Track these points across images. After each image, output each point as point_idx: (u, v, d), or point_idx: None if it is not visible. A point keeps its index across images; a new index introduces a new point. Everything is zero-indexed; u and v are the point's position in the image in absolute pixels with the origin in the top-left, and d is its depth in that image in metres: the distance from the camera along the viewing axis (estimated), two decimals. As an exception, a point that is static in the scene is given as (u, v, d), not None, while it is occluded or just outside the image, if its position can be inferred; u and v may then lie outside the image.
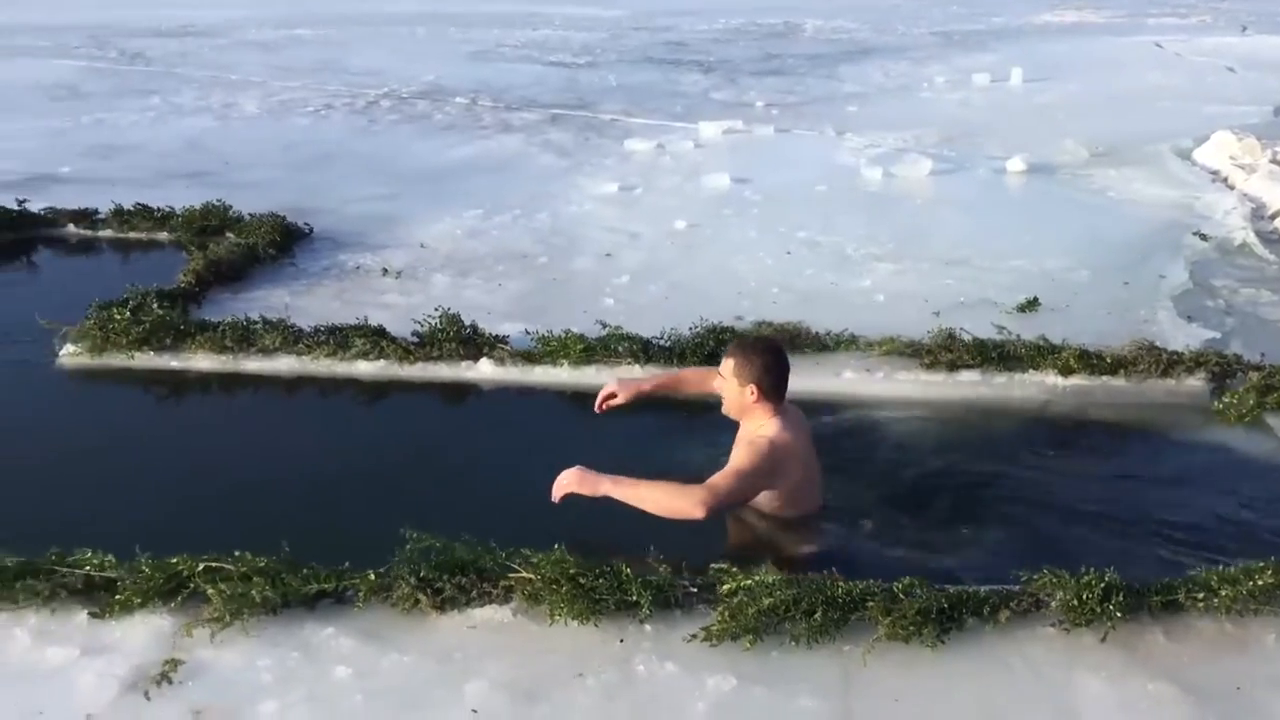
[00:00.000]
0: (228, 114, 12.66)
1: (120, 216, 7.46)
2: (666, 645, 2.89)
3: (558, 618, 2.97)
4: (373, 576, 3.06)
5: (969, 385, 4.82)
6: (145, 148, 10.61)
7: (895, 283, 6.31)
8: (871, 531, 3.68)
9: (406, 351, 5.04)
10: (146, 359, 5.08)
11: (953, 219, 8.01)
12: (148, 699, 2.68)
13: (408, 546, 3.14)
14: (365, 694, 2.70)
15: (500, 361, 5.01)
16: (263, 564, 3.09)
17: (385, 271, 6.46)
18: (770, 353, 3.76)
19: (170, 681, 2.74)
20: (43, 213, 7.50)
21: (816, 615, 2.90)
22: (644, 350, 4.99)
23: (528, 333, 5.17)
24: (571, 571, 3.03)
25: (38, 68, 16.43)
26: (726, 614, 2.93)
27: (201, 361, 5.07)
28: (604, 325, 5.19)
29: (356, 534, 3.75)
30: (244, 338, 5.11)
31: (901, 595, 2.97)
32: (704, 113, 12.65)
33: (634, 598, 2.98)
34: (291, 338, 5.12)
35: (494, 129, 12.07)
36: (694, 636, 2.90)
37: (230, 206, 7.36)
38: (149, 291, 5.51)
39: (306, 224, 7.27)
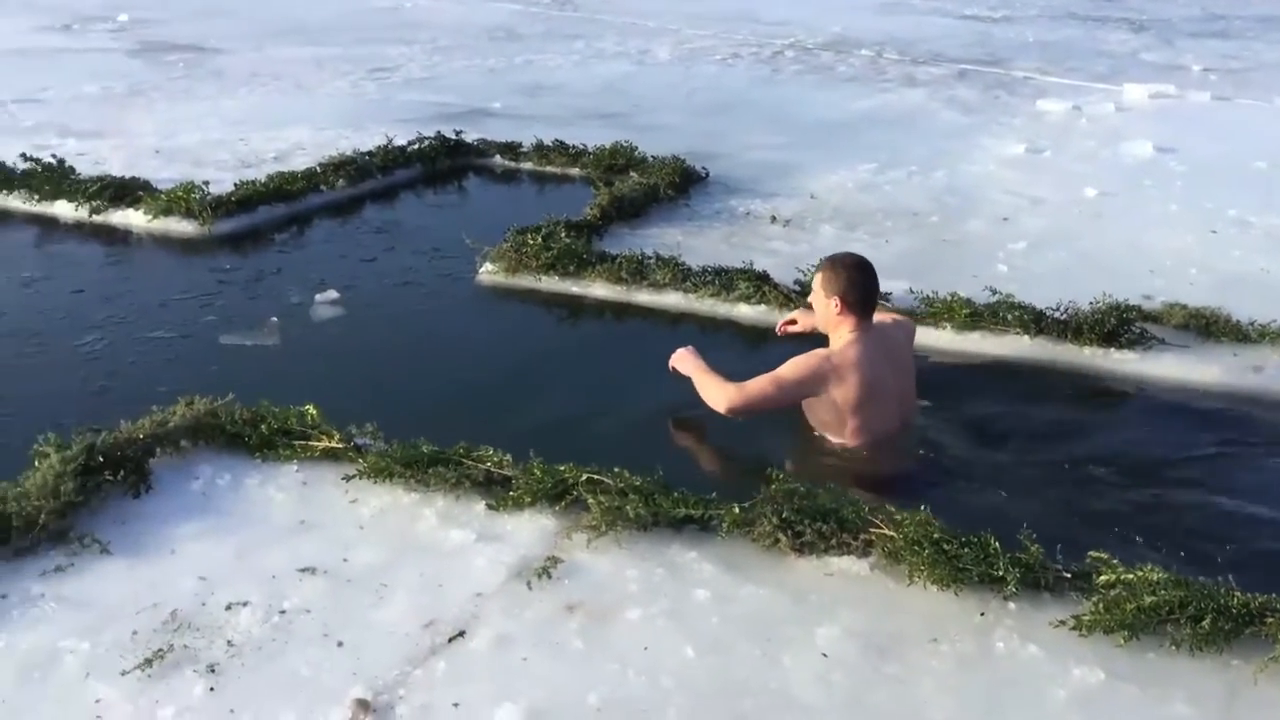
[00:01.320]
0: (643, 59, 13.25)
1: (540, 151, 8.06)
2: (1030, 626, 2.77)
3: (916, 579, 2.92)
4: (737, 510, 3.16)
5: None
6: (566, 88, 11.35)
7: (1342, 275, 5.57)
8: None
9: (787, 299, 5.10)
10: (551, 282, 5.48)
11: None
12: (529, 588, 2.93)
13: (772, 487, 3.21)
14: (721, 618, 2.81)
15: (881, 318, 4.94)
16: (638, 483, 3.27)
17: (774, 219, 6.55)
18: (857, 268, 3.86)
19: (549, 576, 2.97)
20: (475, 143, 8.25)
21: (1204, 623, 2.65)
22: (1036, 321, 4.74)
23: (911, 291, 5.06)
24: (936, 535, 2.96)
25: (483, 10, 17.98)
26: (1101, 606, 2.75)
27: (598, 289, 5.40)
28: (994, 292, 4.97)
29: (718, 464, 3.92)
30: (638, 271, 5.38)
31: (1310, 618, 2.66)
32: (1130, 74, 11.69)
33: (1000, 573, 2.87)
34: (680, 275, 5.32)
35: (897, 82, 11.82)
36: (1062, 623, 2.75)
37: (636, 147, 7.73)
38: (559, 221, 5.93)
39: (704, 168, 7.50)
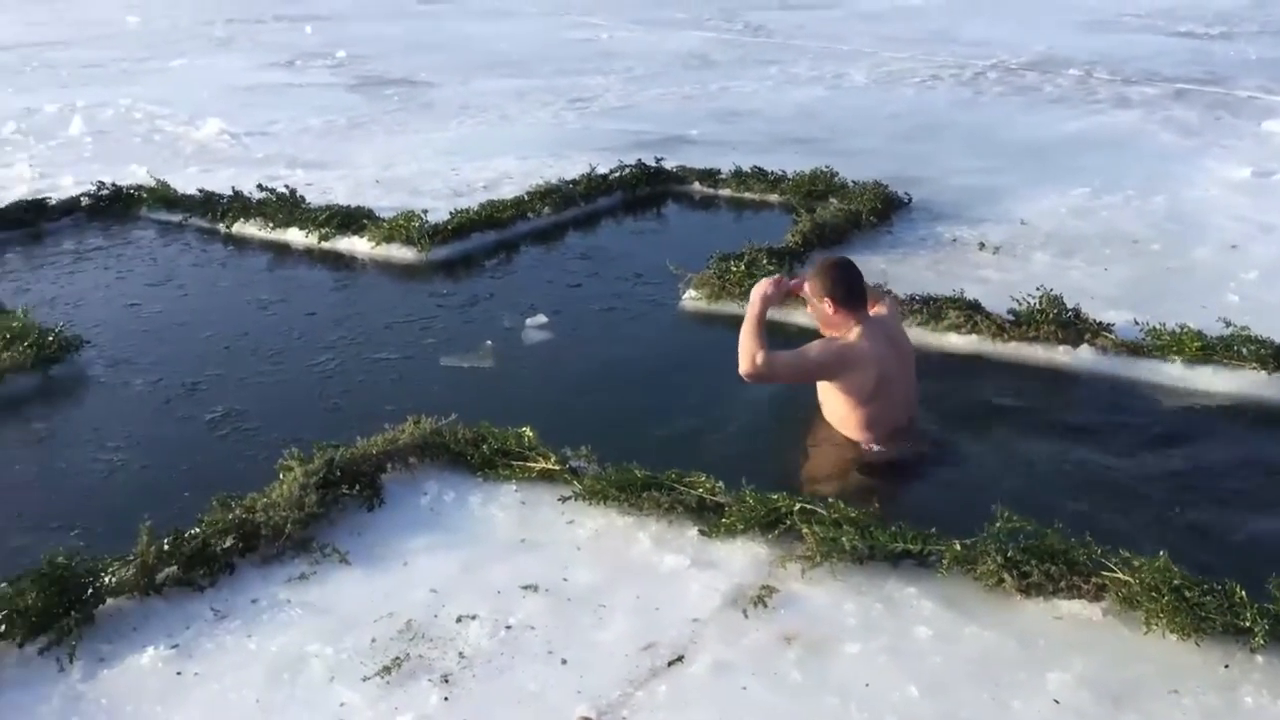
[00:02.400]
0: (838, 84, 13.16)
1: (738, 178, 8.11)
2: (1281, 682, 2.60)
3: (1154, 627, 2.78)
4: (958, 547, 3.09)
5: None
6: (762, 114, 11.38)
7: None
8: None
9: (1000, 328, 4.96)
10: (755, 309, 5.50)
11: None
12: (745, 616, 2.94)
13: (996, 525, 3.12)
14: (945, 658, 2.75)
15: (1103, 350, 4.74)
16: (854, 514, 3.25)
17: (982, 246, 6.38)
18: (836, 266, 4.14)
19: (765, 605, 2.98)
20: (674, 170, 8.38)
21: None
22: (1274, 356, 4.46)
23: (1136, 323, 4.84)
24: (1175, 582, 2.82)
25: (675, 38, 18.23)
26: (1364, 666, 2.56)
27: (800, 317, 5.34)
28: (1227, 323, 4.70)
29: (929, 498, 3.83)
30: (844, 299, 5.33)
31: None
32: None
33: (1247, 623, 2.71)
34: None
35: (1109, 103, 11.34)
36: (1319, 681, 2.58)
37: (836, 173, 7.69)
38: (761, 248, 5.95)
39: (906, 193, 7.38)
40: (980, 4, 22.29)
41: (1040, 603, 2.94)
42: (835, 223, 6.58)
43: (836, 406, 4.07)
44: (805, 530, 3.22)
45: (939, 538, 3.13)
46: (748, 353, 3.94)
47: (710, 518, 3.41)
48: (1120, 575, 2.92)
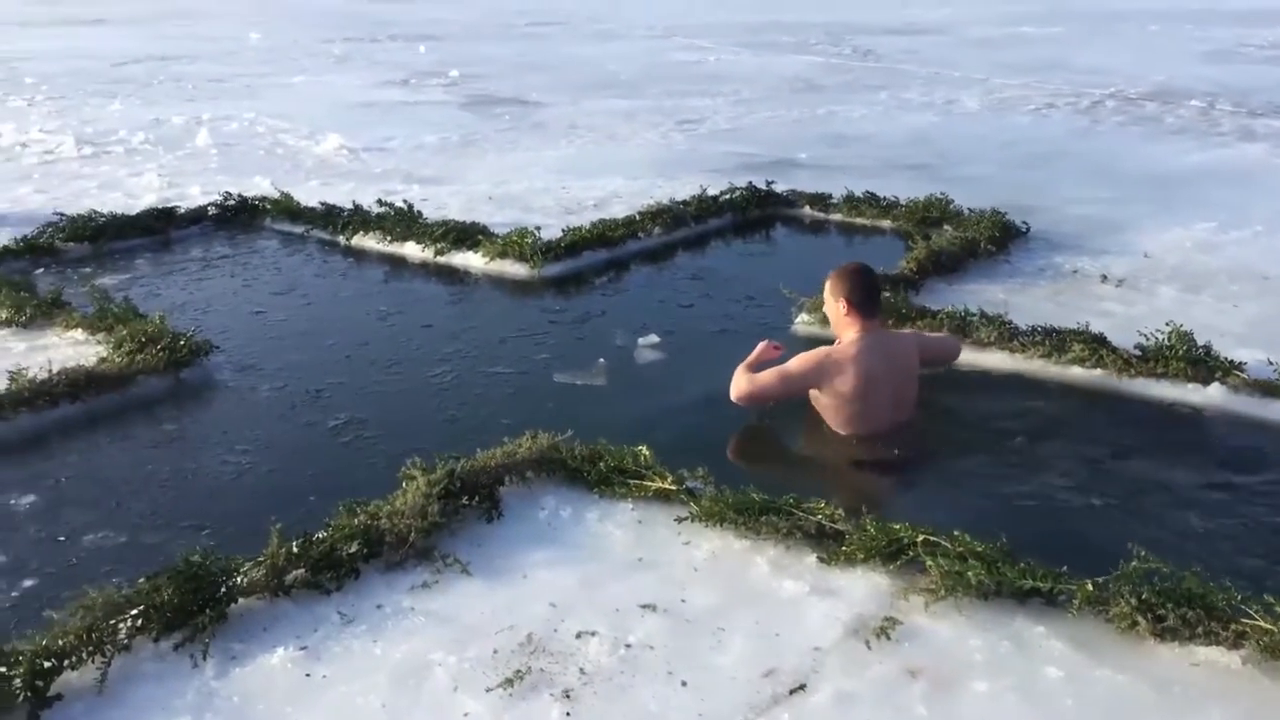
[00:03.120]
0: (949, 110, 13.01)
1: (850, 202, 8.05)
2: None
3: (1300, 680, 2.67)
4: (1090, 586, 3.00)
5: None
6: (871, 139, 11.30)
7: None
8: None
9: (1127, 363, 4.83)
10: (870, 336, 5.43)
11: None
12: (868, 648, 2.90)
13: (1131, 564, 3.02)
14: (1077, 701, 2.67)
15: (1234, 389, 4.58)
16: (980, 548, 3.18)
17: (1104, 278, 6.23)
18: (859, 272, 4.38)
19: (888, 637, 2.93)
20: (785, 194, 8.35)
21: None
22: None
23: (1270, 362, 4.67)
24: (1325, 634, 2.70)
25: (782, 63, 18.24)
26: None
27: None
28: (1372, 366, 4.51)
29: (1058, 536, 3.72)
30: (960, 328, 5.25)
31: None
32: None
33: (1404, 683, 2.58)
34: (1007, 334, 5.15)
35: (1233, 136, 11.01)
36: None
37: (951, 200, 7.59)
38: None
39: (1024, 223, 7.24)
40: (1094, 32, 21.88)
41: (1175, 648, 2.84)
42: (951, 250, 6.48)
43: (824, 406, 4.35)
44: (929, 563, 3.16)
45: (1070, 577, 3.04)
46: (735, 380, 4.41)
47: (829, 545, 3.37)
48: (1261, 623, 2.80)
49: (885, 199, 7.95)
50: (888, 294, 5.56)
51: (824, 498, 3.52)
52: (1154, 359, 4.78)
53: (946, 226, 7.19)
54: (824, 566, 3.30)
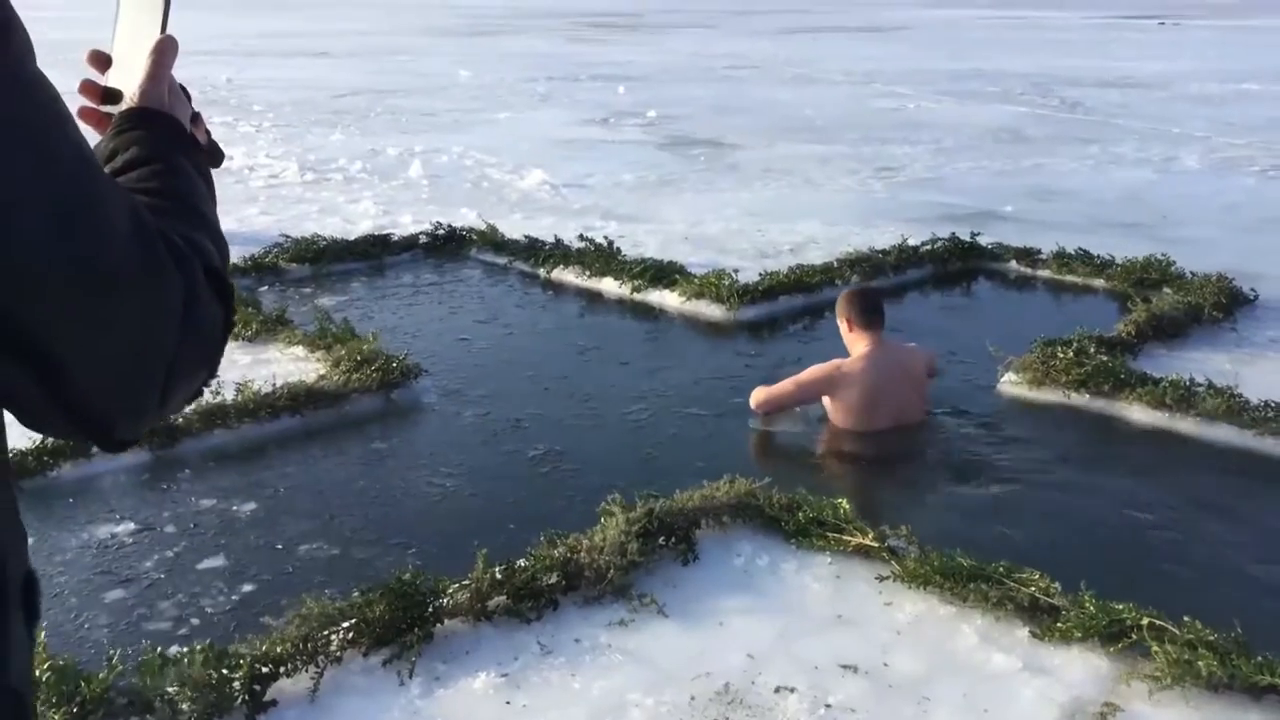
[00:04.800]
0: (1167, 167, 12.39)
1: (1060, 259, 7.73)
2: None
3: None
4: (1338, 690, 2.75)
5: None
6: (1081, 194, 10.85)
7: None
8: None
9: (1374, 449, 4.44)
10: (1082, 400, 5.19)
11: None
12: (1087, 733, 2.73)
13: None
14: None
15: None
16: (1211, 637, 2.96)
17: (1345, 354, 5.77)
18: (859, 294, 5.05)
19: (1109, 724, 2.76)
20: (990, 247, 8.09)
21: None
22: None
23: None
24: None
25: (985, 112, 17.78)
26: None
27: (1136, 413, 5.03)
28: None
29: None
30: (1184, 398, 4.95)
31: None
32: None
33: None
34: (1236, 407, 4.83)
35: None
36: None
37: (1173, 261, 7.20)
38: (1092, 336, 5.63)
39: (1251, 289, 6.80)
40: (1328, 90, 20.50)
41: None
42: (1173, 314, 6.14)
43: (833, 406, 4.85)
44: (1155, 648, 2.96)
45: (1314, 676, 2.80)
46: (754, 392, 4.93)
47: (1043, 619, 3.21)
48: None
49: (1099, 257, 7.59)
50: (1073, 351, 5.36)
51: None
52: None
53: (1166, 289, 6.82)
54: (1036, 641, 3.14)
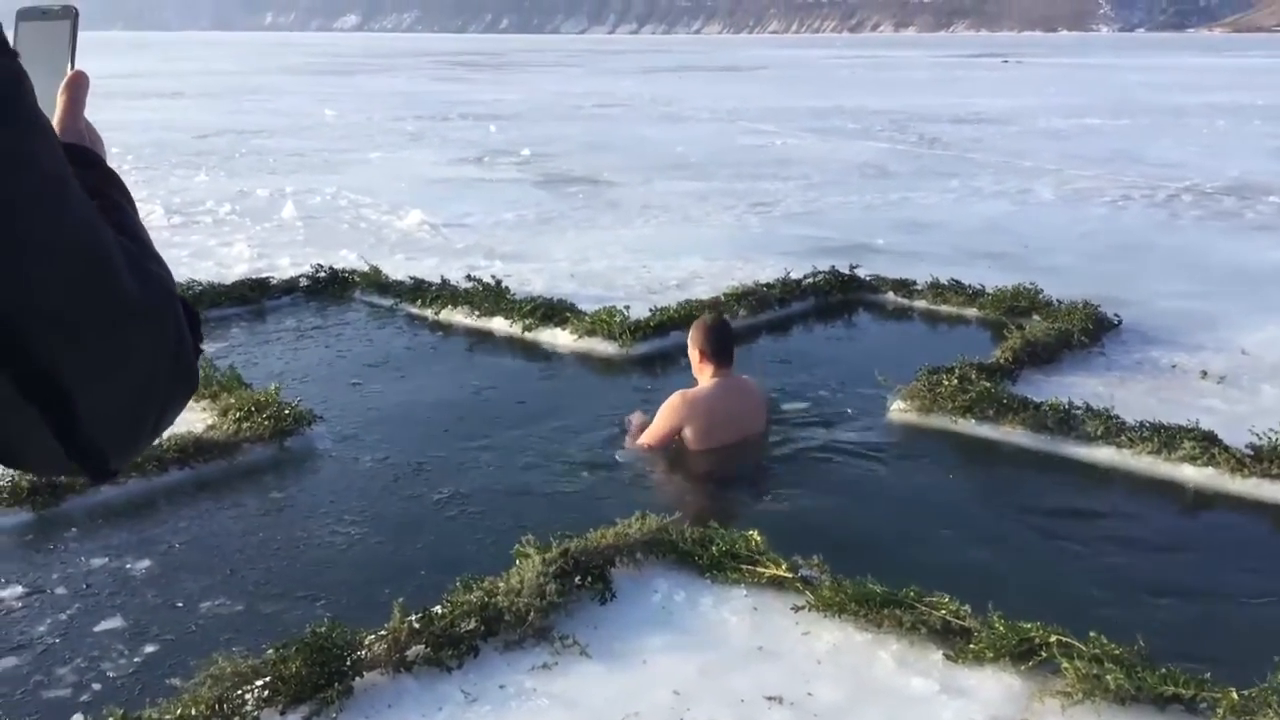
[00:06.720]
0: (1024, 199, 12.99)
1: (935, 289, 8.01)
2: None
3: None
4: (1235, 695, 2.90)
5: None
6: (946, 226, 11.29)
7: None
8: None
9: (1240, 463, 4.72)
10: (968, 426, 5.37)
11: None
12: (1010, 750, 2.82)
13: (1280, 675, 2.93)
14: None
15: (1356, 493, 4.47)
16: (1117, 652, 3.09)
17: (1204, 374, 6.13)
18: (713, 327, 5.22)
19: (1028, 740, 2.85)
20: (869, 279, 8.34)
21: None
22: None
23: (1393, 467, 4.55)
24: None
25: (849, 148, 18.37)
26: None
27: (1019, 437, 5.23)
28: None
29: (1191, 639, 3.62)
30: (1065, 421, 5.18)
31: None
32: None
33: None
34: (1114, 429, 5.07)
35: (1318, 232, 10.87)
36: None
37: (1041, 289, 7.54)
38: (972, 363, 5.85)
39: (1115, 315, 7.17)
40: (1162, 126, 21.85)
41: (1334, 766, 2.73)
42: (1046, 341, 6.41)
43: (685, 436, 5.02)
44: (1065, 665, 3.08)
45: (1214, 684, 2.95)
46: (633, 444, 5.09)
47: (956, 641, 3.30)
48: None
49: (970, 287, 7.90)
50: (957, 378, 5.57)
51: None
52: (1268, 459, 4.68)
53: (1036, 316, 7.14)
54: (951, 664, 3.22)
